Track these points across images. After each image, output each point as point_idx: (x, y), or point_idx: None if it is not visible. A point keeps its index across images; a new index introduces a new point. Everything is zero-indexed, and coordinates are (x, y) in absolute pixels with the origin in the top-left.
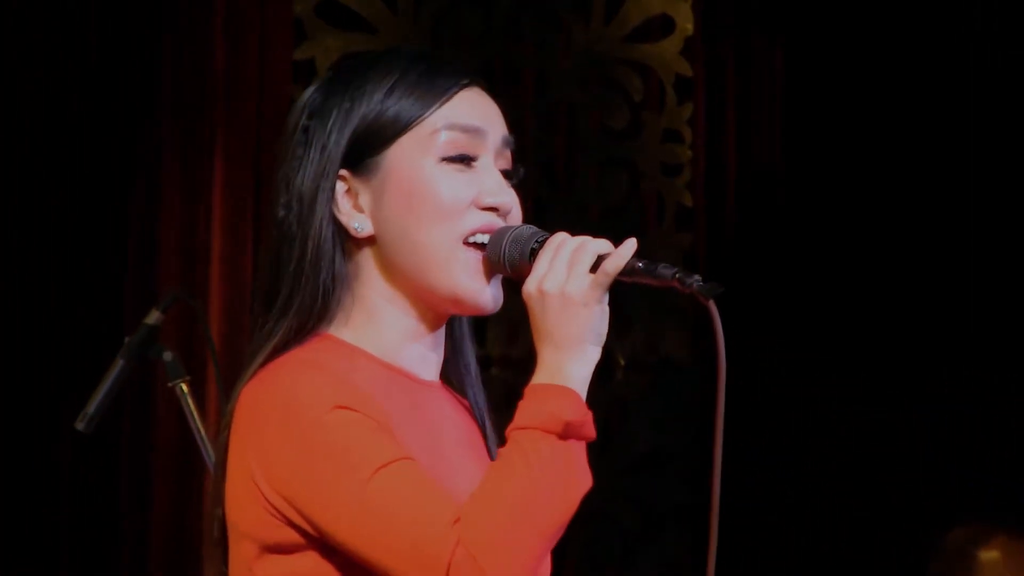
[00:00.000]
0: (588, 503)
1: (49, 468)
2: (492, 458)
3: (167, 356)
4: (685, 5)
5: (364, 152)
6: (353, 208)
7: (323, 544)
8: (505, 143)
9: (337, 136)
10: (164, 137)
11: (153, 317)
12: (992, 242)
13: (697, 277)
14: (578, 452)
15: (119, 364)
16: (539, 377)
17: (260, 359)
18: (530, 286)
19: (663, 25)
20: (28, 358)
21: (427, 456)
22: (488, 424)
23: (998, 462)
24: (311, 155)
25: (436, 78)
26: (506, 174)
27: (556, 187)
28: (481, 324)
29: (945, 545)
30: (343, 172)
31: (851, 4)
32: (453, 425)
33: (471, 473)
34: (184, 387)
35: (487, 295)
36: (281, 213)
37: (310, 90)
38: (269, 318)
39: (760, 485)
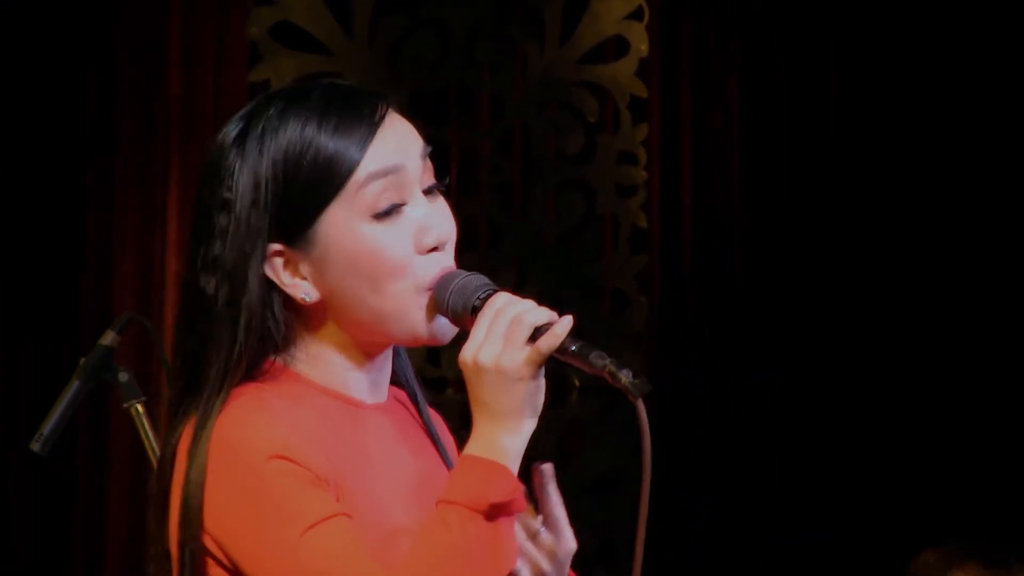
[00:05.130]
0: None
1: (4, 489)
2: (442, 456)
3: (123, 377)
4: (639, 26)
5: (294, 224)
6: (293, 277)
7: None
8: (423, 158)
9: (261, 209)
10: (120, 161)
11: (108, 338)
12: (953, 276)
13: (628, 371)
14: (504, 530)
15: (75, 385)
16: (473, 447)
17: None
18: (466, 355)
19: (618, 46)
20: None
21: (365, 490)
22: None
23: (979, 480)
24: (233, 228)
25: (350, 129)
26: (433, 188)
27: (512, 212)
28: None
29: (915, 568)
30: (277, 246)
31: (806, 24)
32: (399, 447)
33: (408, 501)
34: (139, 408)
35: (440, 333)
36: (209, 291)
37: (220, 153)
38: (206, 376)
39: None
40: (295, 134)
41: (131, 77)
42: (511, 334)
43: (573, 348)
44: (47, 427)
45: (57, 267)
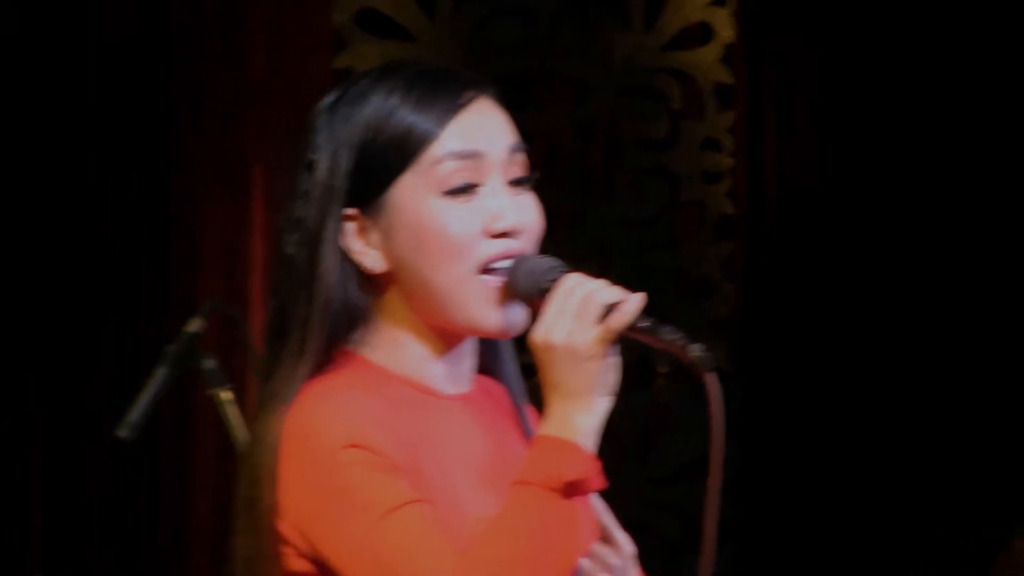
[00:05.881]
0: (628, 512)
1: (91, 476)
2: None
3: (208, 364)
4: (725, 12)
5: (368, 190)
6: (365, 245)
7: None
8: (512, 152)
9: (340, 173)
10: (204, 145)
11: (194, 325)
12: None
13: (699, 346)
14: (581, 508)
15: (160, 372)
16: (547, 428)
17: (291, 384)
18: (537, 336)
19: (702, 33)
20: (70, 367)
21: (441, 480)
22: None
23: None
24: (315, 192)
25: (432, 104)
26: (519, 182)
27: (595, 197)
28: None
29: (1004, 559)
30: (351, 211)
31: (893, 10)
32: (480, 439)
33: (487, 493)
34: (224, 395)
35: (503, 322)
36: (290, 251)
37: (313, 119)
38: (283, 359)
39: (809, 495)
40: (379, 102)
41: (215, 63)
42: (582, 313)
43: (643, 325)
44: (133, 414)
45: (142, 254)
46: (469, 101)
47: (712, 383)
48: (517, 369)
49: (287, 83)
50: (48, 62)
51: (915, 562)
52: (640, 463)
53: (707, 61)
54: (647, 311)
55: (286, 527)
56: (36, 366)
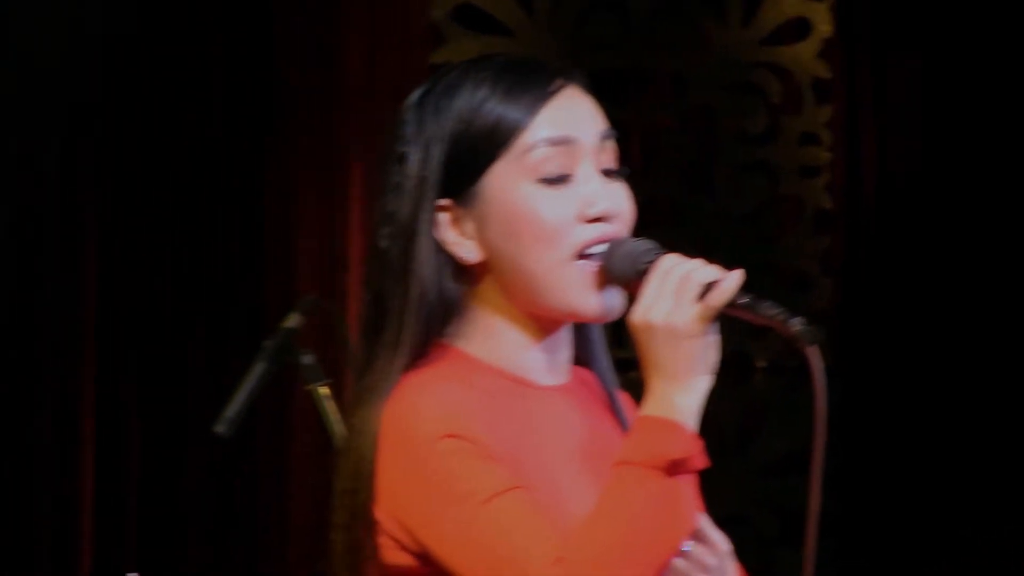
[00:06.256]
0: (725, 506)
1: (188, 472)
2: None
3: (306, 360)
4: (822, 7)
5: (461, 180)
6: (459, 236)
7: (436, 571)
8: (603, 140)
9: (432, 165)
10: (301, 142)
11: (292, 321)
12: None
13: (799, 320)
14: (684, 487)
15: (258, 368)
16: (648, 408)
17: (389, 375)
18: (636, 316)
19: (800, 27)
20: (168, 363)
21: (540, 470)
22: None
23: None
24: (408, 185)
25: (522, 93)
26: (611, 172)
27: (694, 191)
28: (618, 327)
29: None
30: (445, 202)
31: (991, 2)
32: (578, 428)
33: (587, 483)
34: (322, 390)
35: (601, 306)
36: (384, 244)
37: (402, 113)
38: (380, 353)
39: (909, 489)
40: (468, 94)
41: (313, 59)
42: (680, 292)
43: (743, 301)
44: (231, 410)
45: (240, 250)
46: (558, 89)
47: (814, 357)
48: (609, 357)
49: (385, 80)
50: (153, 63)
51: None
52: (738, 458)
53: (805, 55)
54: (745, 289)
55: (385, 518)
56: (135, 363)
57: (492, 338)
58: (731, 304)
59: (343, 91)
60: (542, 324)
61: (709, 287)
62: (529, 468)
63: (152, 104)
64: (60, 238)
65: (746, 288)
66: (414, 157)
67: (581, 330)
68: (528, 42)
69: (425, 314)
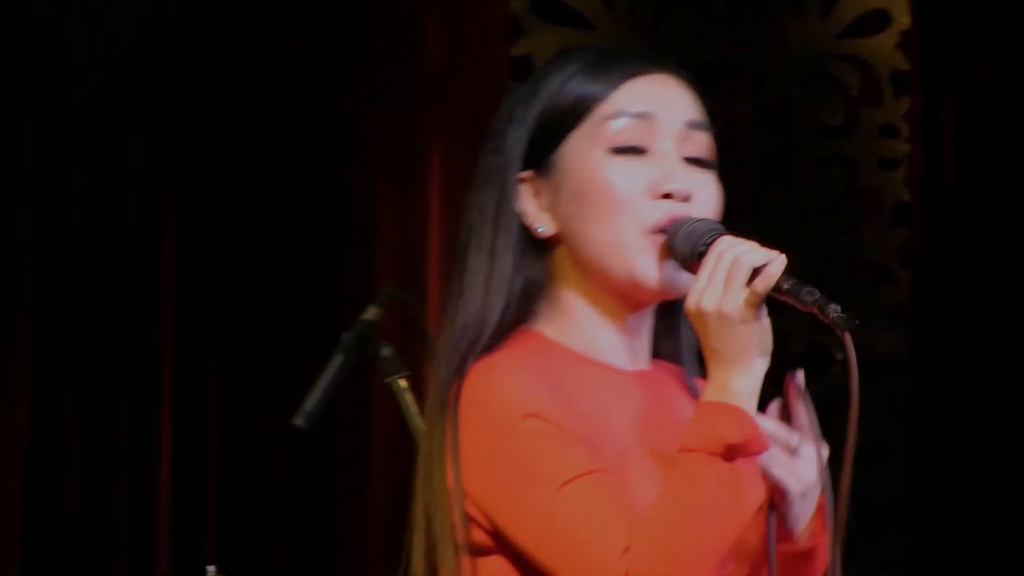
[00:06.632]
0: None
1: (266, 465)
2: None
3: (385, 352)
4: None
5: (542, 151)
6: (538, 208)
7: (511, 551)
8: (689, 127)
9: (519, 138)
10: (381, 133)
11: (371, 313)
12: None
13: (836, 307)
14: (745, 471)
15: (337, 360)
16: (707, 394)
17: (463, 354)
18: (690, 303)
19: (878, 19)
20: (247, 356)
21: (613, 454)
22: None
23: None
24: (497, 160)
25: (609, 69)
26: (697, 160)
27: (773, 184)
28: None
29: None
30: (526, 173)
31: None
32: (653, 414)
33: (658, 469)
34: (401, 383)
35: (663, 280)
36: (472, 218)
37: (507, 95)
38: (461, 332)
39: (983, 480)
40: (559, 72)
41: (392, 52)
42: (731, 277)
43: (786, 286)
44: (310, 402)
45: (319, 243)
46: (645, 71)
47: (849, 344)
48: (693, 346)
49: (464, 73)
50: (229, 59)
51: None
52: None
53: (884, 48)
54: (790, 273)
55: (467, 502)
56: (215, 356)
57: (570, 320)
58: (776, 288)
59: (422, 84)
60: (619, 304)
61: (757, 271)
62: (604, 452)
63: (231, 101)
64: (140, 236)
65: (791, 272)
66: (505, 134)
67: (667, 319)
68: (607, 34)
69: (506, 290)
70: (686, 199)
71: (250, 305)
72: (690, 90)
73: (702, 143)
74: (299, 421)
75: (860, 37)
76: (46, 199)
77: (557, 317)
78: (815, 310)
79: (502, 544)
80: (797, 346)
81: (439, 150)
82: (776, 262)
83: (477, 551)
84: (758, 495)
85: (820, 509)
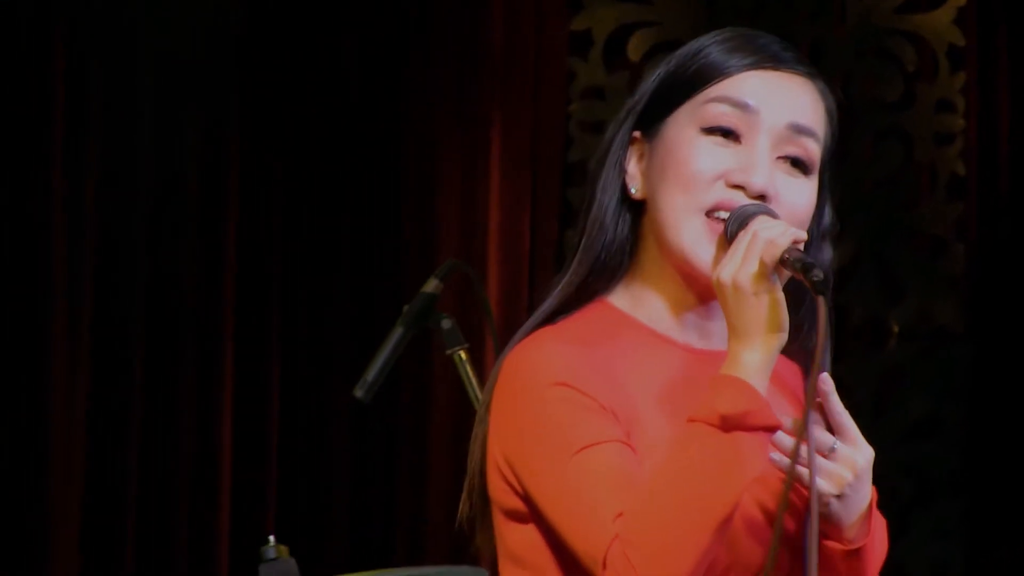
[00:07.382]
0: None
1: (327, 437)
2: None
3: (445, 324)
4: None
5: (654, 115)
6: (636, 169)
7: (542, 522)
8: (793, 130)
9: (643, 94)
10: (442, 111)
11: (431, 285)
12: None
13: (817, 272)
14: (741, 443)
15: (398, 332)
16: (722, 368)
17: (532, 323)
18: (713, 274)
19: None
20: (309, 328)
21: (659, 430)
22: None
23: None
24: (620, 116)
25: (739, 54)
26: (794, 161)
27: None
28: None
29: None
30: (636, 134)
31: None
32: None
33: None
34: (462, 355)
35: (709, 263)
36: (591, 167)
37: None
38: (563, 275)
39: None
40: (699, 46)
41: (453, 28)
42: (749, 251)
43: (787, 256)
44: (371, 374)
45: (381, 216)
46: (773, 67)
47: (822, 306)
48: (827, 339)
49: (523, 48)
50: (290, 35)
51: None
52: (873, 422)
53: (940, 23)
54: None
55: (500, 461)
56: (276, 330)
57: (647, 291)
58: (781, 260)
59: (483, 58)
60: (690, 280)
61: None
62: (643, 426)
63: (293, 76)
64: (201, 214)
65: (878, 269)
66: (639, 88)
67: (804, 311)
68: (666, 10)
69: (601, 244)
70: (761, 196)
71: (311, 278)
72: (813, 96)
73: (803, 147)
74: (360, 393)
75: (917, 12)
76: (109, 179)
77: (633, 285)
78: (800, 275)
79: (535, 513)
80: (856, 319)
81: (499, 127)
82: (785, 234)
83: (513, 517)
84: (755, 468)
85: (870, 511)
